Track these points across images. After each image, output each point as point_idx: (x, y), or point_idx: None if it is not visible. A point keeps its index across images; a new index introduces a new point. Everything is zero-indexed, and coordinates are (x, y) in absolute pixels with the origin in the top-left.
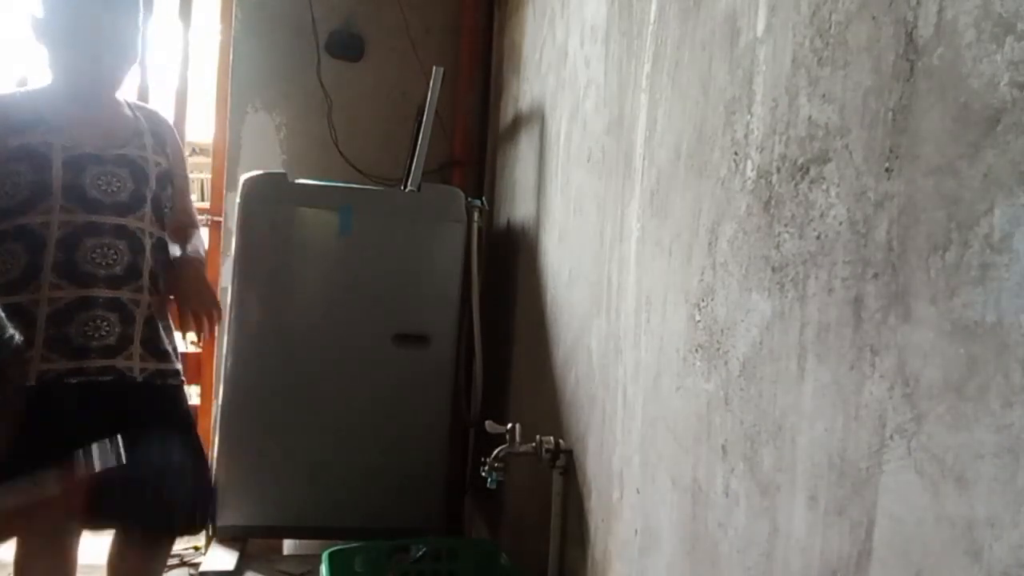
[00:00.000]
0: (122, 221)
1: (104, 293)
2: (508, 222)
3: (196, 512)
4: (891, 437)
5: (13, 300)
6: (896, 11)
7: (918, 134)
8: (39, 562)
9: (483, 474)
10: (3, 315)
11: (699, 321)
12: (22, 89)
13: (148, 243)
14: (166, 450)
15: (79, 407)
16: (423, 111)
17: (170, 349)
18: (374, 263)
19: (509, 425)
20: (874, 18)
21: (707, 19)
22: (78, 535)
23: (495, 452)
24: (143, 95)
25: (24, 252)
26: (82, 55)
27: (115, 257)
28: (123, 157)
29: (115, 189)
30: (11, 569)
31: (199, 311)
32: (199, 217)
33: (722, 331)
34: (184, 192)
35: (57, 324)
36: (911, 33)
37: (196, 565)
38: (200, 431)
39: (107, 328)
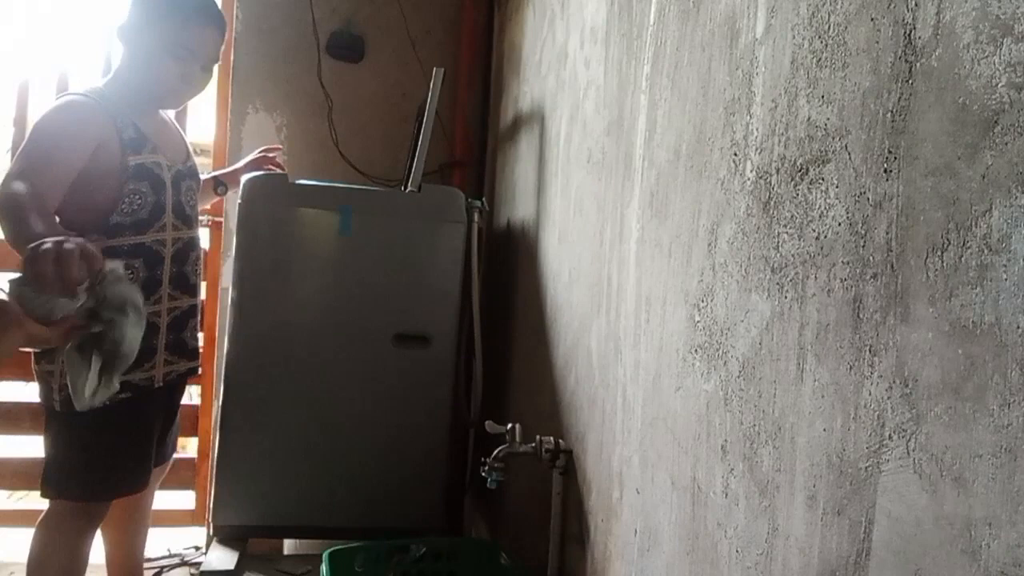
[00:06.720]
0: (197, 233)
1: (198, 300)
2: (508, 222)
3: None
4: (890, 437)
5: None
6: (895, 12)
7: (917, 135)
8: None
9: (483, 474)
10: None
11: (699, 321)
12: (100, 97)
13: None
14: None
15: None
16: (423, 112)
17: None
18: (374, 263)
19: (509, 425)
20: (873, 20)
21: (707, 20)
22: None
23: (495, 452)
24: None
25: (143, 268)
26: (183, 75)
27: (201, 267)
28: (192, 169)
29: (194, 202)
30: (12, 569)
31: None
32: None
33: (721, 331)
34: None
35: (175, 330)
36: (910, 34)
37: (196, 565)
38: (200, 431)
39: (196, 330)
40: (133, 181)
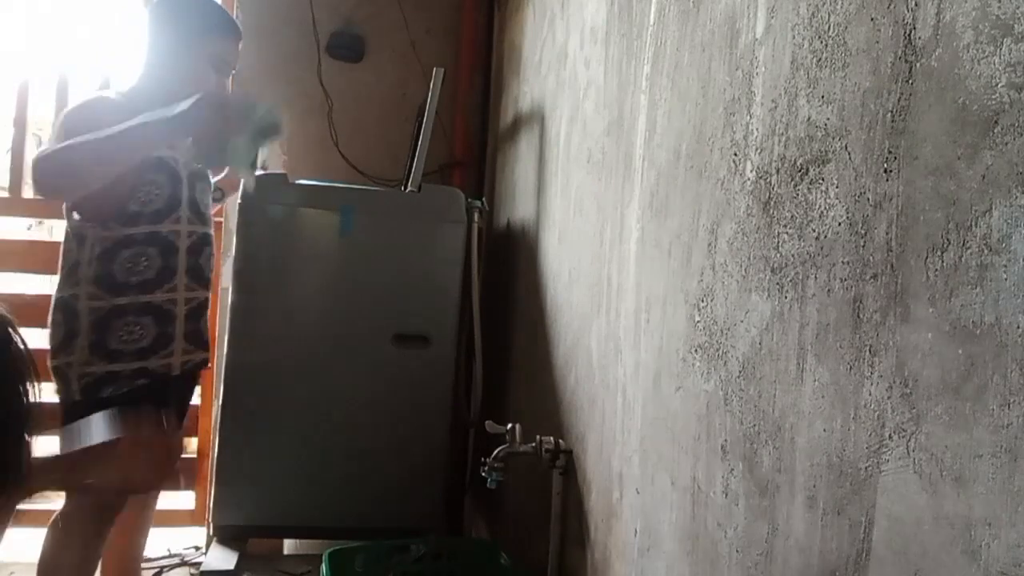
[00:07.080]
0: (211, 231)
1: (211, 294)
2: (508, 223)
3: None
4: (890, 437)
5: (146, 299)
6: (895, 13)
7: (917, 135)
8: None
9: (483, 474)
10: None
11: (698, 322)
12: (124, 96)
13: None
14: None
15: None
16: (423, 112)
17: None
18: (374, 263)
19: (509, 425)
20: (873, 20)
21: (706, 20)
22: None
23: (495, 452)
24: None
25: (158, 256)
26: (218, 86)
27: (213, 263)
28: (205, 172)
29: (208, 203)
30: (12, 569)
31: None
32: None
33: (721, 331)
34: None
35: (193, 321)
36: (910, 35)
37: (196, 565)
38: (200, 431)
39: (207, 323)
40: (150, 172)
